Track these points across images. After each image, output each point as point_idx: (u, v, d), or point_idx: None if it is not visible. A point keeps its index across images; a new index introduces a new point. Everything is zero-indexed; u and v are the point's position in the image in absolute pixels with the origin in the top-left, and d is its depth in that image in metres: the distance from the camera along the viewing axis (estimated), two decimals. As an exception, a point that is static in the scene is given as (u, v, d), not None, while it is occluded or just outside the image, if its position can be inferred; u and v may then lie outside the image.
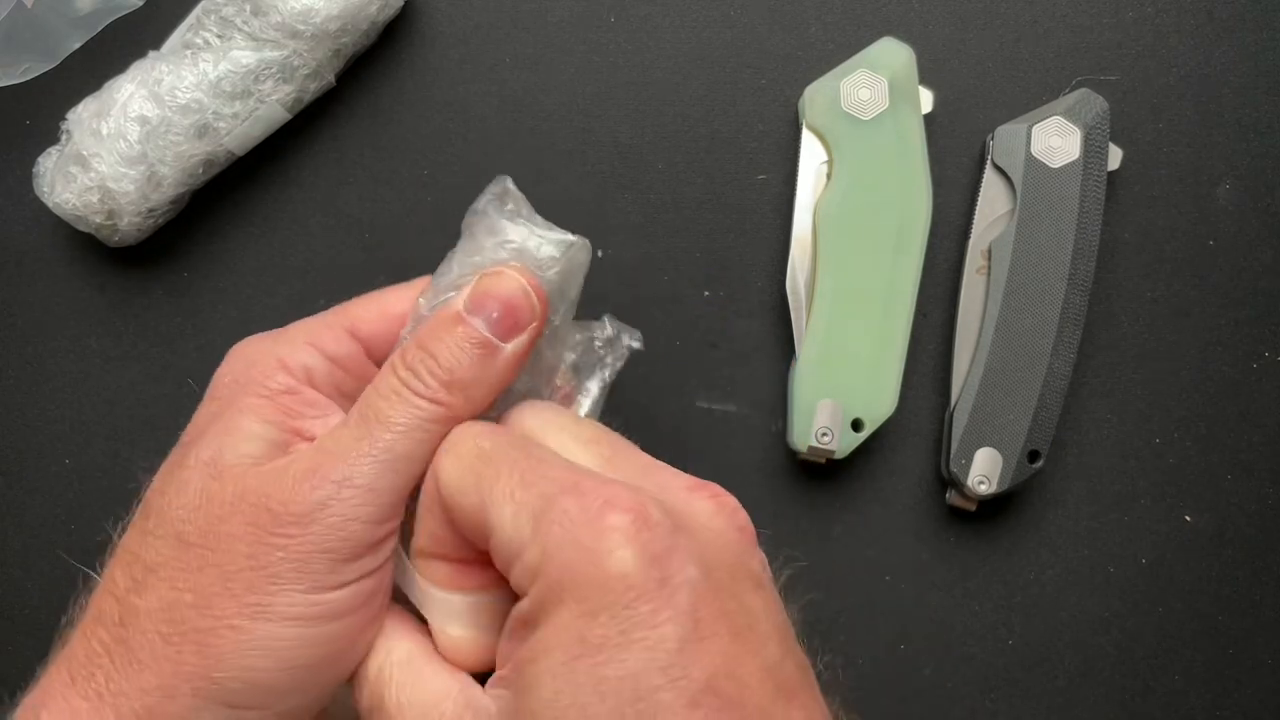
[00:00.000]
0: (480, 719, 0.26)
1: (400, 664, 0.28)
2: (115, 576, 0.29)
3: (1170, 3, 0.43)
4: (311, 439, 0.30)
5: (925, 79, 0.41)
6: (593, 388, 0.33)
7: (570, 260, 0.31)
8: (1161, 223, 0.43)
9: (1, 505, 0.43)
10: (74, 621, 0.30)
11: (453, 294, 0.30)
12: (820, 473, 0.42)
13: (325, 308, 0.43)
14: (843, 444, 0.40)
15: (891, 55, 0.40)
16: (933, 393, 0.43)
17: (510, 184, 0.31)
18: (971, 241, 0.41)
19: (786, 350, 0.42)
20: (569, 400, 0.33)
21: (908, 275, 0.40)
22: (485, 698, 0.26)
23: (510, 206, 0.31)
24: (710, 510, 0.27)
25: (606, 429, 0.30)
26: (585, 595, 0.24)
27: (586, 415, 0.32)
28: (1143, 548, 0.43)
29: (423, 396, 0.29)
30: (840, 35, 0.43)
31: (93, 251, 0.43)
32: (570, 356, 0.33)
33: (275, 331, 0.32)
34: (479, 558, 0.28)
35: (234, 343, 0.43)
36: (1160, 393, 0.43)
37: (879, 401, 0.40)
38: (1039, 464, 0.41)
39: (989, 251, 0.41)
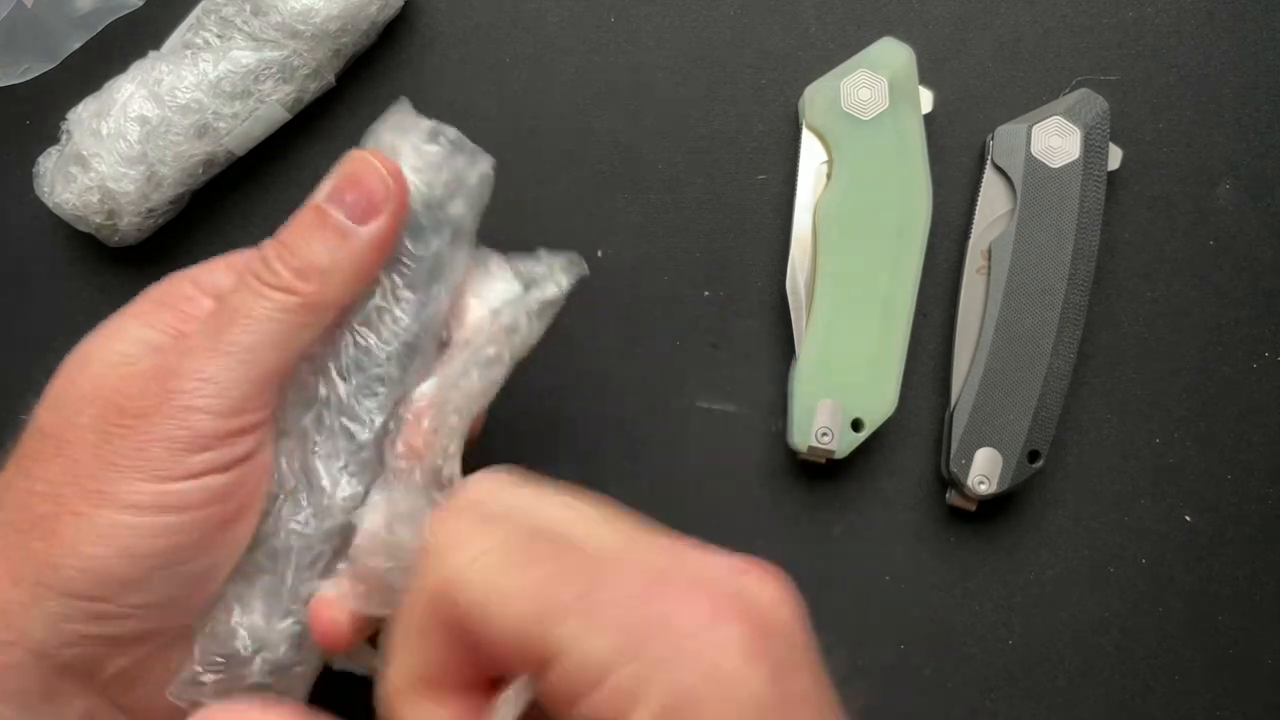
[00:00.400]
0: None
1: None
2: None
3: (1170, 3, 0.43)
4: None
5: (925, 79, 0.41)
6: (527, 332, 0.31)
7: (453, 169, 0.30)
8: (1161, 223, 0.43)
9: (1, 505, 0.43)
10: None
11: None
12: (820, 473, 0.42)
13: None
14: (843, 444, 0.40)
15: (891, 55, 0.40)
16: (933, 393, 0.43)
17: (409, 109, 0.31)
18: (971, 241, 0.41)
19: (786, 350, 0.42)
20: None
21: (908, 275, 0.41)
22: None
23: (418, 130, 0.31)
24: (775, 597, 0.24)
25: (593, 497, 0.27)
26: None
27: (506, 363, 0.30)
28: (1143, 548, 0.43)
29: (272, 286, 0.29)
30: (840, 35, 0.43)
31: (93, 251, 0.43)
32: (491, 306, 0.31)
33: (207, 260, 0.33)
34: (487, 685, 0.25)
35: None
36: (1160, 393, 0.43)
37: (879, 401, 0.40)
38: (1039, 464, 0.41)
39: (989, 251, 0.41)
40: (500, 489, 0.27)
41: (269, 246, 0.30)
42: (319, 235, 0.29)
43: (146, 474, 0.27)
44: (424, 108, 0.43)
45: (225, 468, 0.28)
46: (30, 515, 0.28)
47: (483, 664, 0.24)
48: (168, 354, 0.29)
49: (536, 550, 0.24)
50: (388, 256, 0.30)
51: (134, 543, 0.27)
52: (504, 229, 0.43)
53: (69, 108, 0.40)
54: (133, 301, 0.32)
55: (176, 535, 0.28)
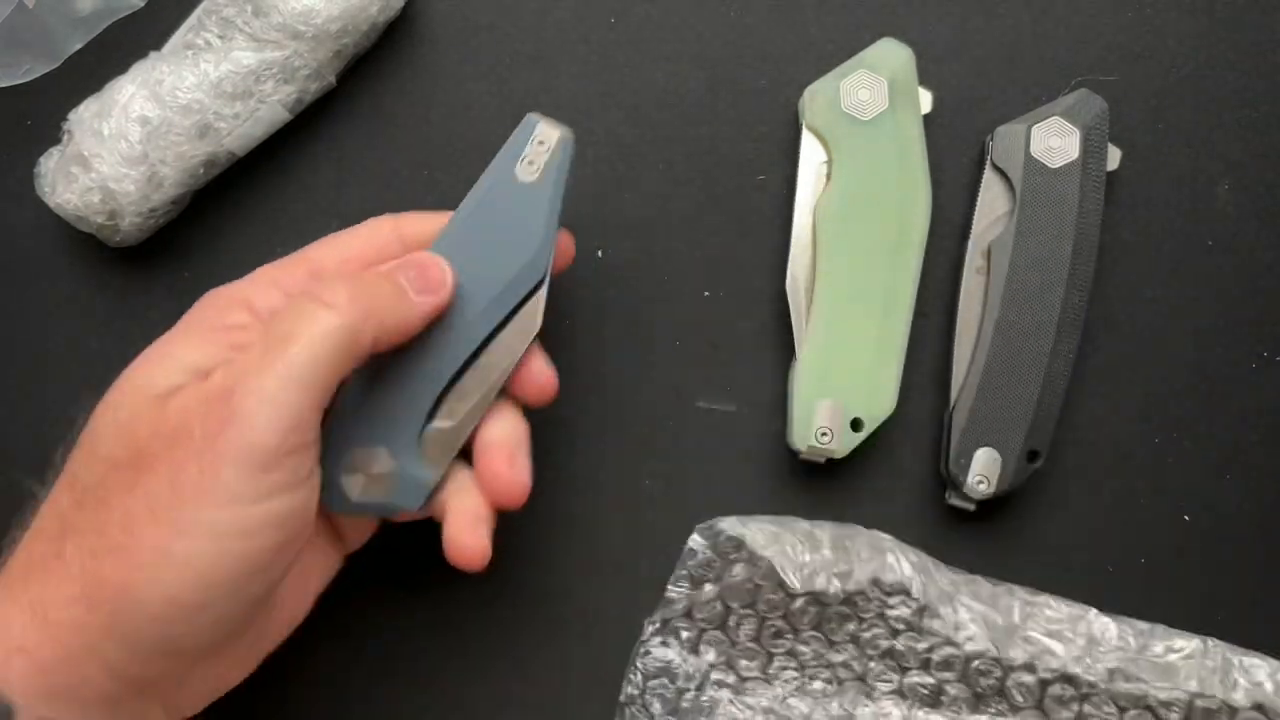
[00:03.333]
0: None
1: None
2: (57, 495, 0.31)
3: (1170, 3, 0.43)
4: None
5: (925, 79, 0.41)
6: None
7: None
8: (1161, 223, 0.43)
9: (1, 505, 0.43)
10: (15, 540, 0.31)
11: None
12: (820, 472, 0.42)
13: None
14: (842, 444, 0.40)
15: (891, 56, 0.41)
16: (932, 393, 0.43)
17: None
18: (971, 242, 0.41)
19: (786, 350, 0.42)
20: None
21: (907, 275, 0.41)
22: None
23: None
24: None
25: None
26: None
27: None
28: (1143, 548, 0.43)
29: (329, 306, 0.30)
30: (840, 35, 0.43)
31: (94, 251, 0.43)
32: None
33: (243, 278, 0.34)
34: None
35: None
36: (1160, 393, 0.43)
37: (879, 401, 0.40)
38: (1038, 464, 0.41)
39: (988, 252, 0.41)
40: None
41: (335, 284, 0.31)
42: (382, 283, 0.32)
43: (221, 501, 0.28)
44: (424, 107, 0.44)
45: (290, 488, 0.29)
46: (107, 543, 0.28)
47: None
48: (220, 378, 0.30)
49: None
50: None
51: (209, 570, 0.28)
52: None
53: (70, 108, 0.40)
54: (183, 323, 0.33)
55: (247, 559, 0.29)
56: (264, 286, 0.34)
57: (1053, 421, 0.41)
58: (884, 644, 0.40)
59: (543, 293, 0.35)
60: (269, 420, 0.28)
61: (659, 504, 0.43)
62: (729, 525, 0.41)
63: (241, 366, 0.29)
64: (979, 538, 0.43)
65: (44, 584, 0.29)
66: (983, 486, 0.40)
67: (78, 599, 0.28)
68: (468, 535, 0.34)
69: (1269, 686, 0.39)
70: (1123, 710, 0.39)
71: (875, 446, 0.42)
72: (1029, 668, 0.39)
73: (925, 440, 0.43)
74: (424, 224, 0.36)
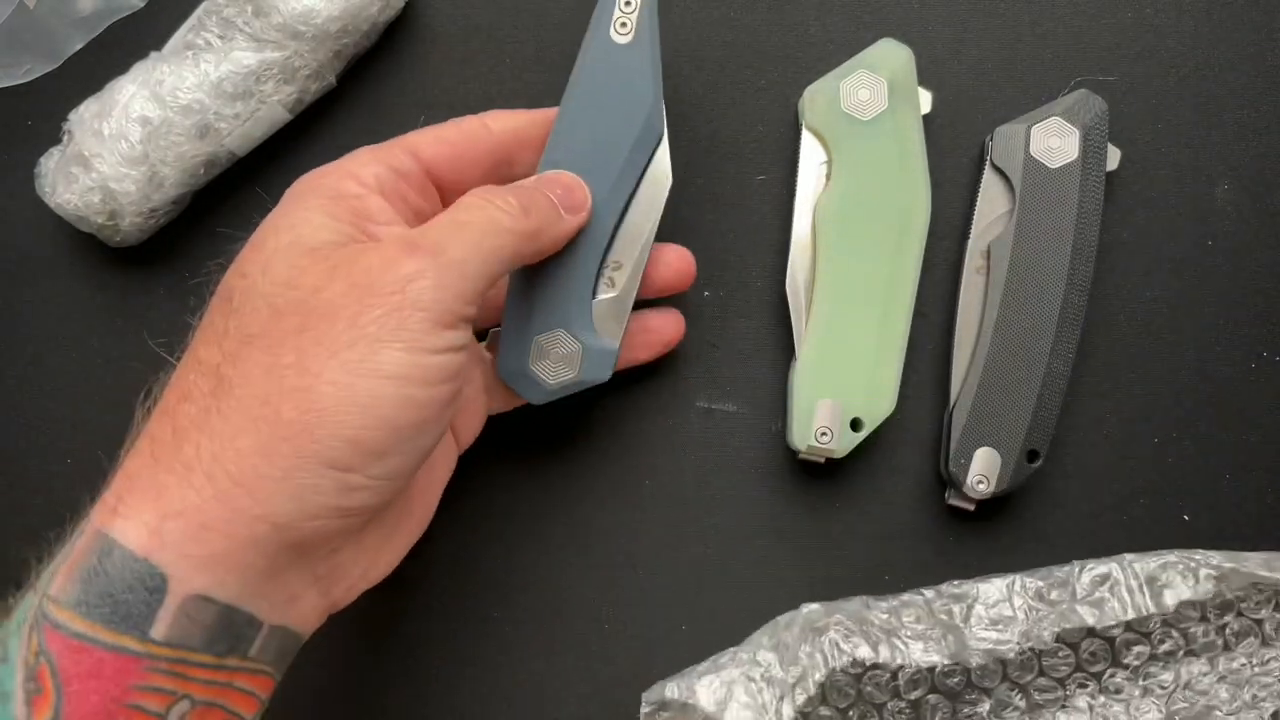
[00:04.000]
0: None
1: None
2: (200, 356, 0.30)
3: (1170, 3, 0.43)
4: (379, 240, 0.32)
5: (925, 79, 0.41)
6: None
7: None
8: (1160, 223, 0.43)
9: (1, 505, 0.43)
10: (143, 420, 0.31)
11: None
12: (820, 472, 0.42)
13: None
14: (842, 443, 0.40)
15: (891, 56, 0.41)
16: (932, 393, 0.43)
17: None
18: (971, 241, 0.41)
19: (786, 350, 0.42)
20: None
21: (907, 275, 0.41)
22: None
23: None
24: None
25: None
26: None
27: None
28: (1142, 548, 0.42)
29: (503, 210, 0.32)
30: (840, 35, 0.43)
31: (94, 251, 0.43)
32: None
33: (340, 159, 0.34)
34: None
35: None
36: (1159, 393, 0.43)
37: (878, 401, 0.40)
38: (1038, 464, 0.41)
39: (988, 252, 0.41)
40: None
41: (501, 185, 0.34)
42: (541, 197, 0.34)
43: (406, 345, 0.28)
44: (424, 108, 0.44)
45: (461, 348, 0.30)
46: (281, 387, 0.28)
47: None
48: (404, 238, 0.31)
49: None
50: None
51: (391, 413, 0.29)
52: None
53: (70, 108, 0.40)
54: (292, 197, 0.32)
55: (423, 409, 0.29)
56: (365, 162, 0.34)
57: (1053, 421, 0.41)
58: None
59: (665, 146, 0.38)
60: (457, 281, 0.30)
61: (660, 504, 0.43)
62: (674, 690, 0.39)
63: (424, 230, 0.31)
64: (979, 538, 0.43)
65: (201, 443, 0.28)
66: (983, 486, 0.40)
67: (250, 450, 0.28)
68: (667, 328, 0.41)
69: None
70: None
71: (875, 446, 0.42)
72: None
73: (925, 440, 0.43)
74: (511, 119, 0.37)
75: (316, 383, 0.28)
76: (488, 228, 0.31)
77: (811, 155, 0.41)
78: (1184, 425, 0.43)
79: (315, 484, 0.28)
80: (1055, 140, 0.40)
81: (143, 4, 0.41)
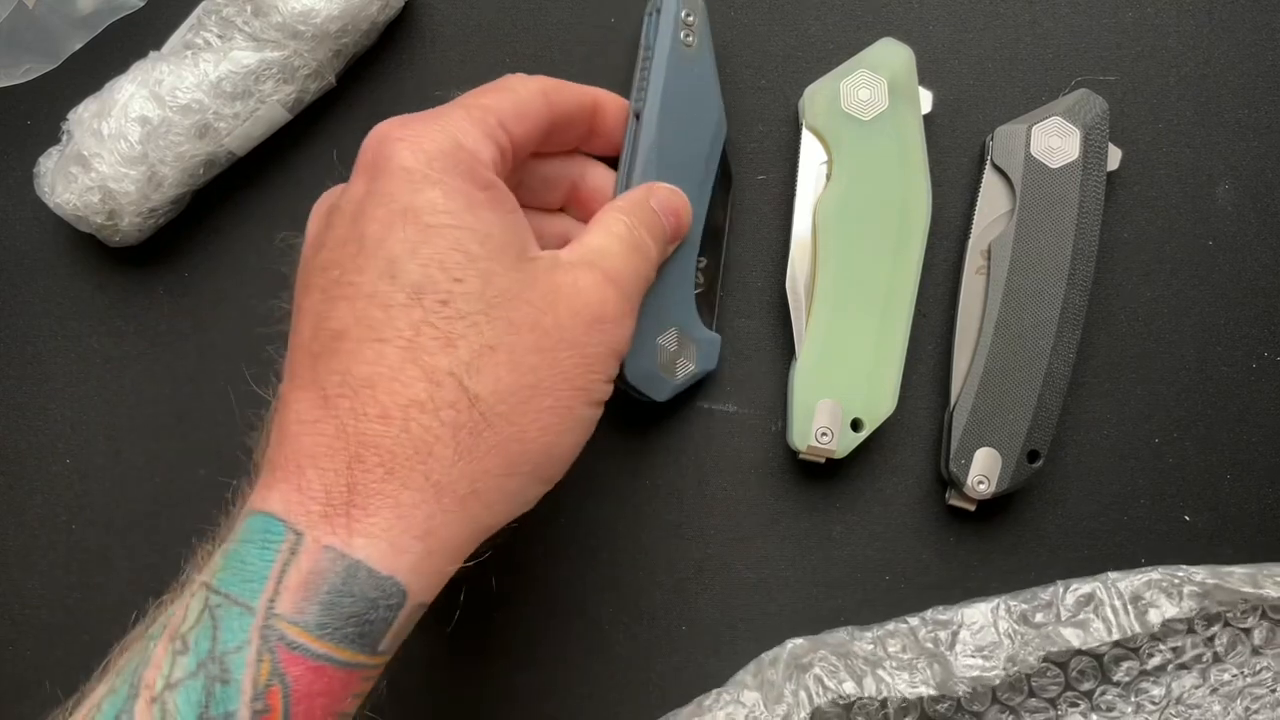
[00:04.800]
0: None
1: None
2: (424, 355, 0.28)
3: (1170, 3, 0.43)
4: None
5: (925, 79, 0.41)
6: None
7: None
8: (1161, 223, 0.43)
9: (1, 505, 0.43)
10: (265, 434, 0.30)
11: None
12: (820, 473, 0.42)
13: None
14: (842, 444, 0.40)
15: (891, 55, 0.41)
16: (932, 393, 0.43)
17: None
18: (971, 241, 0.41)
19: (786, 350, 0.42)
20: None
21: (907, 275, 0.41)
22: None
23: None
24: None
25: None
26: None
27: None
28: (1143, 548, 0.43)
29: (649, 241, 0.35)
30: (840, 35, 0.43)
31: (93, 251, 0.43)
32: None
33: (428, 115, 0.32)
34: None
35: (234, 344, 0.43)
36: (1160, 393, 0.43)
37: (878, 401, 0.40)
38: (1038, 464, 0.41)
39: (988, 251, 0.41)
40: None
41: (637, 220, 0.35)
42: (659, 225, 0.36)
43: (605, 376, 0.32)
44: (424, 108, 0.43)
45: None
46: (527, 409, 0.29)
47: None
48: (603, 273, 0.32)
49: None
50: None
51: (587, 433, 0.32)
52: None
53: (69, 108, 0.40)
54: (439, 175, 0.30)
55: (593, 425, 0.32)
56: (478, 140, 0.32)
57: (1053, 421, 0.41)
58: None
59: (727, 145, 0.41)
60: (634, 322, 0.33)
61: (660, 504, 0.43)
62: None
63: (620, 269, 0.33)
64: (979, 538, 0.43)
65: (447, 461, 0.28)
66: (983, 486, 0.40)
67: (496, 471, 0.29)
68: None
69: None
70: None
71: (875, 446, 0.42)
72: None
73: (925, 440, 0.43)
74: (571, 95, 0.36)
75: (555, 405, 0.30)
76: (642, 263, 0.34)
77: (812, 155, 0.41)
78: (1184, 425, 0.43)
79: (535, 494, 0.31)
80: (1056, 140, 0.40)
81: (142, 4, 0.41)
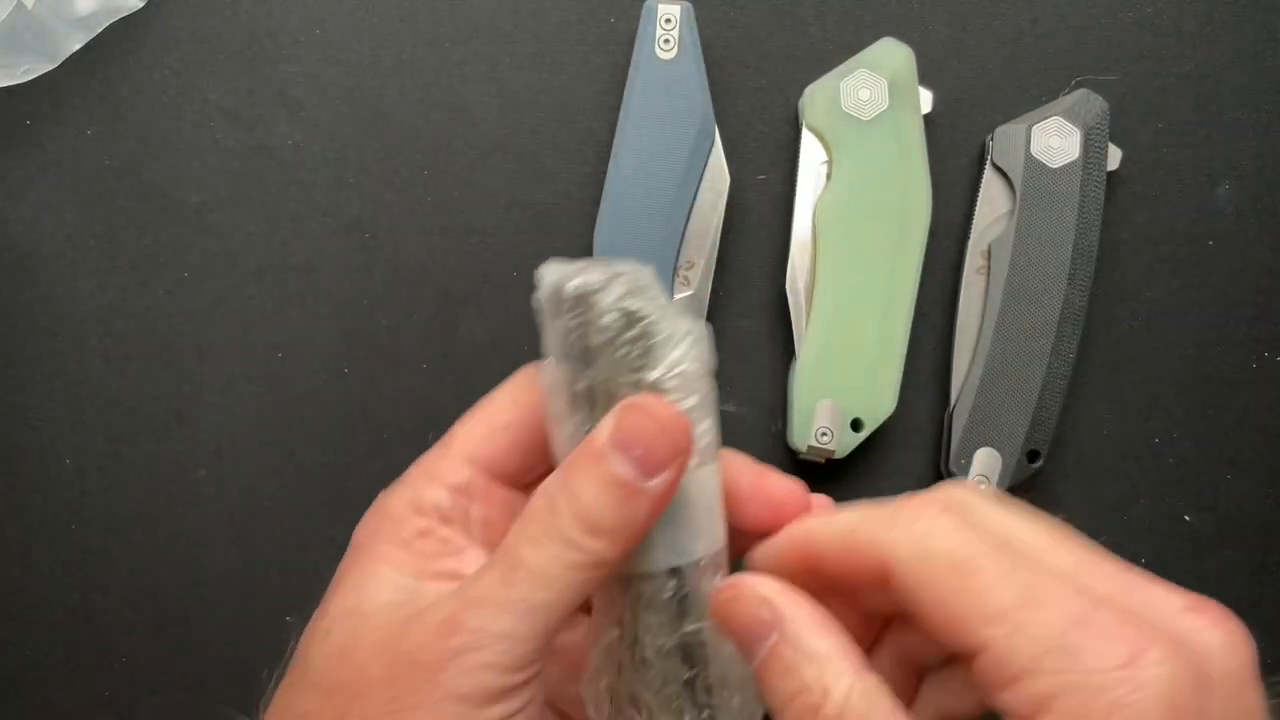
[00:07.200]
0: None
1: None
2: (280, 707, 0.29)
3: (1170, 3, 0.43)
4: (451, 577, 0.29)
5: (925, 79, 0.41)
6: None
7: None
8: (1161, 223, 0.43)
9: (1, 505, 0.43)
10: None
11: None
12: (820, 473, 0.42)
13: (326, 307, 0.44)
14: (842, 444, 0.40)
15: (891, 55, 0.41)
16: (933, 393, 0.43)
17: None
18: (971, 241, 0.41)
19: (786, 350, 0.42)
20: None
21: (907, 275, 0.41)
22: None
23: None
24: (1222, 646, 0.24)
25: (1050, 517, 0.28)
26: None
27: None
28: (1143, 548, 0.43)
29: (563, 544, 0.27)
30: (840, 35, 0.43)
31: (93, 251, 0.43)
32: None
33: (402, 477, 0.31)
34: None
35: (234, 343, 0.43)
36: (1160, 393, 0.43)
37: (879, 401, 0.40)
38: (1038, 464, 0.41)
39: (989, 251, 0.41)
40: (978, 499, 0.28)
41: (556, 490, 0.28)
42: (609, 492, 0.27)
43: None
44: (424, 107, 0.44)
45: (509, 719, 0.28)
46: None
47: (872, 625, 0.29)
48: (450, 604, 0.28)
49: (989, 561, 0.25)
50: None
51: None
52: (504, 227, 0.43)
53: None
54: (363, 539, 0.30)
55: None
56: (425, 485, 0.31)
57: (1053, 421, 0.41)
58: None
59: (719, 147, 0.41)
60: (497, 659, 0.27)
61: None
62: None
63: (470, 594, 0.27)
64: (979, 538, 0.42)
65: None
66: (983, 486, 0.40)
67: None
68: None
69: None
70: None
71: (875, 446, 0.42)
72: None
73: (925, 440, 0.43)
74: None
75: None
76: (542, 579, 0.27)
77: (812, 155, 0.41)
78: (1185, 425, 0.43)
79: None
80: (1056, 140, 0.40)
81: (142, 4, 0.41)
